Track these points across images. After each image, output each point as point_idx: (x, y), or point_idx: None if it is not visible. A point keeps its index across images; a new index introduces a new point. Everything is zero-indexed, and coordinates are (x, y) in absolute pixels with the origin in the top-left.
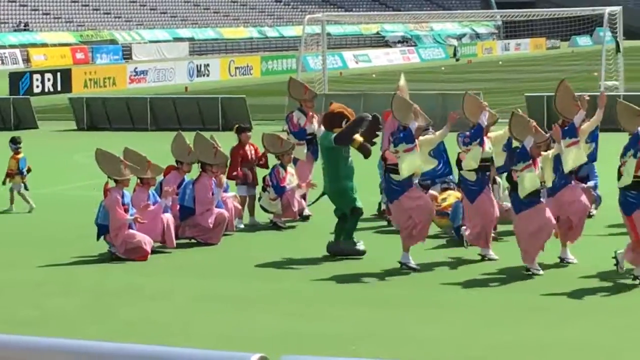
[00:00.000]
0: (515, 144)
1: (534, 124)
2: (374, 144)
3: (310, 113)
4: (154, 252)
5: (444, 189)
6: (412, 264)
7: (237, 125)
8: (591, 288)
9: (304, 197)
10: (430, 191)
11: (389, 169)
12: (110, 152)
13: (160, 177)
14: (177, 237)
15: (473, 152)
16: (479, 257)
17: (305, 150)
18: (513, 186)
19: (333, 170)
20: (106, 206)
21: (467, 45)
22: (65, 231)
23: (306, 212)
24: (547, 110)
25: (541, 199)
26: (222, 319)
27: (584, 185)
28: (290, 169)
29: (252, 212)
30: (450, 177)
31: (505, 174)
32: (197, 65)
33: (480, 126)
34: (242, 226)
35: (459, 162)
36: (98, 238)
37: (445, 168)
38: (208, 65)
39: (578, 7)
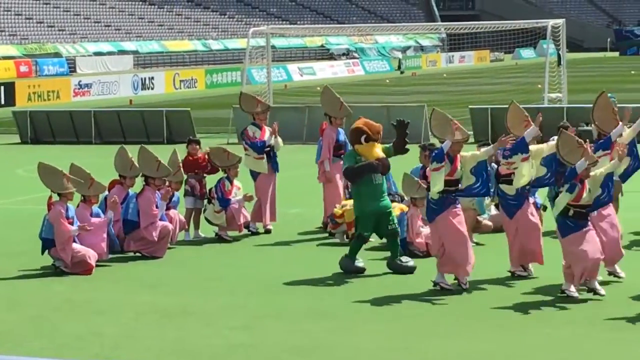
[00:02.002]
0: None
1: (585, 145)
2: (406, 151)
3: (264, 126)
4: (97, 265)
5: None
6: (446, 284)
7: (188, 138)
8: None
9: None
10: None
11: (429, 187)
12: (53, 165)
13: (105, 192)
14: (122, 251)
15: (521, 169)
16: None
17: (266, 164)
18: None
19: (355, 190)
20: (50, 220)
21: (412, 58)
22: (8, 245)
23: (268, 226)
24: (491, 122)
25: (589, 223)
26: (167, 332)
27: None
28: (237, 182)
29: (197, 225)
30: (394, 188)
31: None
32: (141, 79)
33: (524, 140)
34: (188, 239)
35: (498, 175)
36: (43, 252)
37: (482, 188)
38: (153, 78)
39: (522, 20)
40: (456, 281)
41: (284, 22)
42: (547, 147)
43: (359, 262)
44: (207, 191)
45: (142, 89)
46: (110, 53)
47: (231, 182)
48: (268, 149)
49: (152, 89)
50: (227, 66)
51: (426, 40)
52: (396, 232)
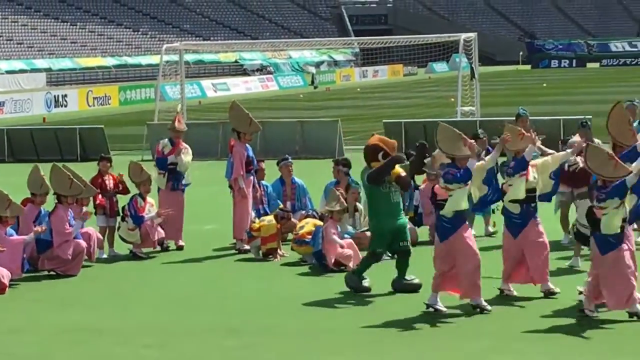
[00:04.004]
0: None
1: (616, 158)
2: (423, 172)
3: (180, 144)
4: (11, 285)
5: (304, 217)
6: (440, 305)
7: (101, 155)
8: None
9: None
10: (292, 220)
11: (439, 205)
12: None
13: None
14: (36, 270)
15: (517, 185)
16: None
17: (166, 181)
18: (594, 224)
19: (371, 207)
20: None
21: (325, 73)
22: None
23: (180, 242)
24: (404, 136)
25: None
26: (82, 351)
27: None
28: (150, 198)
29: (111, 243)
30: (310, 205)
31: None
32: (54, 96)
33: (524, 158)
34: (103, 257)
35: (502, 193)
36: None
37: (494, 194)
38: (66, 95)
39: (434, 34)
40: (471, 303)
41: (198, 38)
42: (553, 160)
43: (366, 282)
44: (120, 209)
45: (55, 107)
46: (22, 71)
47: (144, 199)
48: (172, 166)
49: (66, 106)
50: (140, 83)
51: (340, 55)
52: (408, 250)
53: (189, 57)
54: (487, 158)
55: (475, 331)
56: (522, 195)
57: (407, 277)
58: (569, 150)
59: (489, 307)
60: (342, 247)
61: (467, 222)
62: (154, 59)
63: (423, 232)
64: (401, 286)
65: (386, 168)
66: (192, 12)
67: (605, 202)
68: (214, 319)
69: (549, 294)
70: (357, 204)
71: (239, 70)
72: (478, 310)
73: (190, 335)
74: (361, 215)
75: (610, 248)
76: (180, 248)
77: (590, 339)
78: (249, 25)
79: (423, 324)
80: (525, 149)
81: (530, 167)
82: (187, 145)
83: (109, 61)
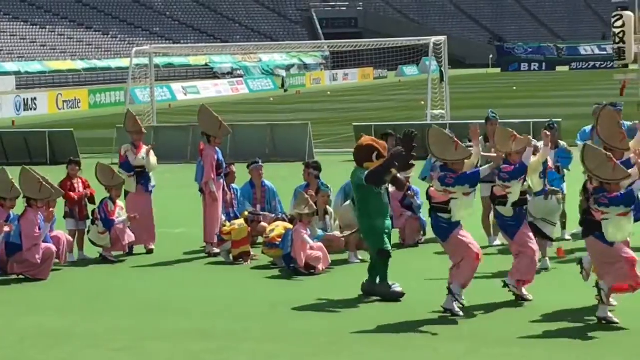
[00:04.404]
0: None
1: (614, 160)
2: (411, 166)
3: (142, 147)
4: None
5: (274, 220)
6: (457, 310)
7: (69, 159)
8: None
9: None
10: (261, 223)
11: (436, 207)
12: None
13: None
14: (5, 274)
15: (515, 190)
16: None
17: (135, 183)
18: (593, 225)
19: (363, 207)
20: None
21: (296, 76)
22: None
23: (150, 246)
24: None
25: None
26: (52, 355)
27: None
28: (120, 202)
29: (81, 247)
30: (279, 208)
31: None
32: (24, 99)
33: (524, 164)
34: (73, 260)
35: (493, 197)
36: None
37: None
38: (35, 99)
39: (404, 38)
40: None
41: (168, 41)
42: (539, 160)
43: (397, 287)
44: (90, 212)
45: (24, 110)
46: None
47: (114, 203)
48: (140, 168)
49: (35, 109)
50: (110, 86)
51: (310, 58)
52: (388, 253)
53: (159, 60)
54: (484, 167)
55: (451, 334)
56: (517, 197)
57: (391, 282)
58: (547, 147)
59: (460, 313)
60: (312, 248)
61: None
62: (123, 62)
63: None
64: (370, 289)
65: (388, 165)
66: (162, 15)
67: (609, 207)
68: (183, 322)
69: (520, 299)
70: (328, 207)
71: (209, 73)
72: (449, 313)
73: (160, 338)
74: (331, 218)
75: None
76: (150, 252)
77: (565, 345)
78: (219, 29)
79: (396, 326)
80: (522, 152)
81: None
82: (149, 147)
83: (79, 64)
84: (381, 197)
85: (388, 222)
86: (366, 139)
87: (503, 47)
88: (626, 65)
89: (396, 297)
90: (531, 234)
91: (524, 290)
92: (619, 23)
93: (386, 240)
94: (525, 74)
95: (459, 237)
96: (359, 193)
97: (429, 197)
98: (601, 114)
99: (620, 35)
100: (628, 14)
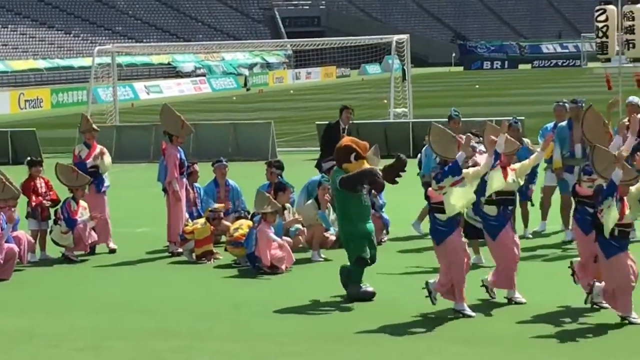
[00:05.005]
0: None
1: (621, 158)
2: (395, 182)
3: (96, 147)
4: None
5: (237, 218)
6: (468, 311)
7: (28, 159)
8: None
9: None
10: (223, 221)
11: (434, 208)
12: None
13: None
14: None
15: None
16: (506, 300)
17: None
18: (598, 228)
19: (342, 211)
20: None
21: (258, 75)
22: None
23: (111, 245)
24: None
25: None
26: (14, 354)
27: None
28: (83, 202)
29: (43, 247)
30: (242, 205)
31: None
32: None
33: (497, 152)
34: (35, 260)
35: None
36: None
37: (480, 194)
38: None
39: (367, 36)
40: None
41: (130, 40)
42: (529, 163)
43: (368, 287)
44: (53, 212)
45: None
46: None
47: (77, 203)
48: (93, 169)
49: None
50: (73, 85)
51: (272, 57)
52: (374, 258)
53: (122, 60)
54: (482, 164)
55: (414, 333)
56: (497, 186)
57: (362, 284)
58: (540, 151)
59: (472, 314)
60: (277, 247)
61: (459, 224)
62: (86, 62)
63: None
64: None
65: (359, 179)
66: (125, 14)
67: (602, 204)
68: (147, 322)
69: (513, 301)
70: (287, 204)
71: (171, 72)
72: (460, 315)
73: (123, 338)
74: (290, 212)
75: (613, 252)
76: (112, 251)
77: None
78: (182, 28)
79: (361, 325)
80: (514, 149)
81: (509, 170)
82: (102, 147)
83: (41, 64)
84: (361, 200)
85: (370, 226)
86: (346, 140)
87: (465, 45)
88: (608, 60)
89: (368, 296)
90: (515, 238)
91: (516, 294)
92: (602, 17)
93: (365, 247)
94: (488, 72)
95: (453, 243)
96: (338, 195)
97: (427, 198)
98: (586, 115)
99: (604, 29)
100: (611, 7)
